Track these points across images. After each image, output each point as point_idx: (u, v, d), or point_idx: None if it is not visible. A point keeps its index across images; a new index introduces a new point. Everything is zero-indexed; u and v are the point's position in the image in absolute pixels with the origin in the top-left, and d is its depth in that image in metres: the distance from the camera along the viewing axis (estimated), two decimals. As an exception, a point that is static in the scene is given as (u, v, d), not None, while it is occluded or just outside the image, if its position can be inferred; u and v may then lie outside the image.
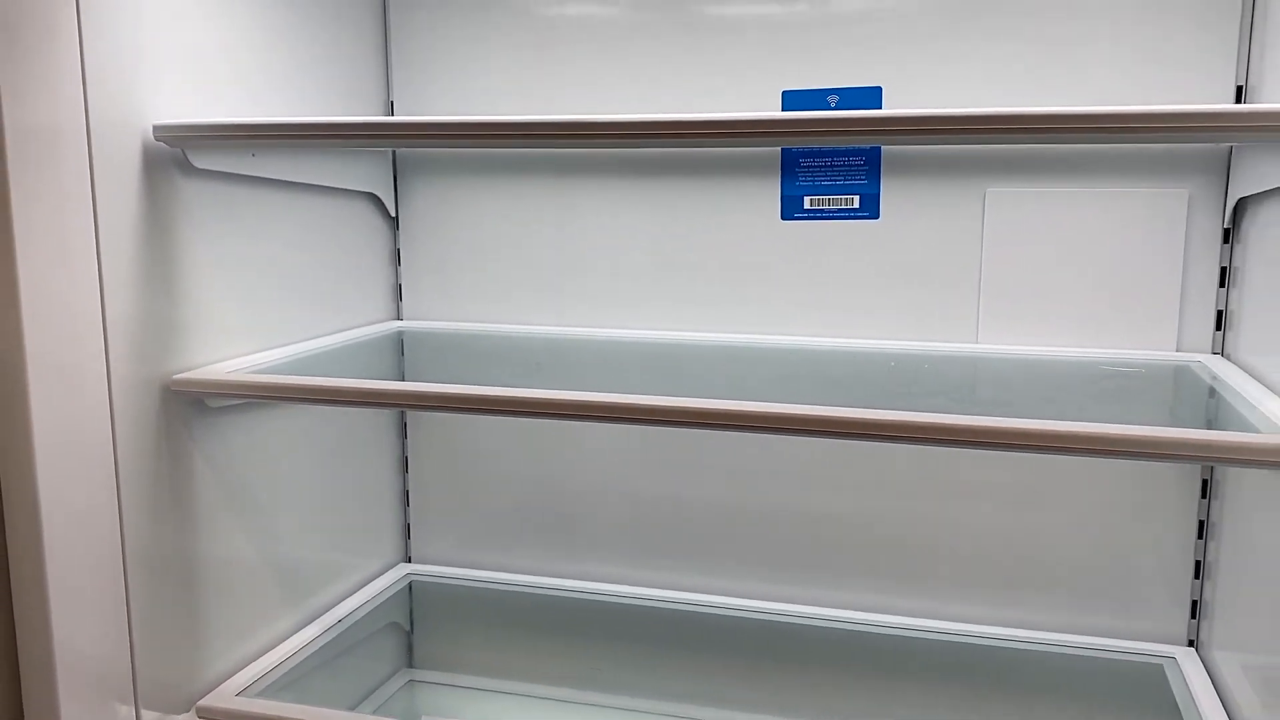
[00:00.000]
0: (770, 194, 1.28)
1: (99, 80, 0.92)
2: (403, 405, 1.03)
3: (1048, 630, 1.26)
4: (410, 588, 1.45)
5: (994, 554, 1.27)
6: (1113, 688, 1.19)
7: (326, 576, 1.34)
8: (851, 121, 0.91)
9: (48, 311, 0.89)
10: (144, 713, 1.03)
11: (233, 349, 1.12)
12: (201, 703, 1.08)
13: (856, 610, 1.32)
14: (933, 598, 1.30)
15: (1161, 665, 1.19)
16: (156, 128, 0.98)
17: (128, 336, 0.98)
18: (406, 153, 1.40)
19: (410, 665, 1.45)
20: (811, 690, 1.27)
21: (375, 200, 1.38)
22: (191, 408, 1.06)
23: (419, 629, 1.44)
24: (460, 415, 1.42)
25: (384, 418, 1.44)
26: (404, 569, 1.48)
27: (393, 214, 1.41)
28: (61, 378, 0.91)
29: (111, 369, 0.96)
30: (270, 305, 1.19)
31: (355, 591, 1.39)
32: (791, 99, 1.25)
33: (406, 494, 1.49)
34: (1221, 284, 1.16)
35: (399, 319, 1.44)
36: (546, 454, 1.42)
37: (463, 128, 1.00)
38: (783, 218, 1.28)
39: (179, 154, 1.01)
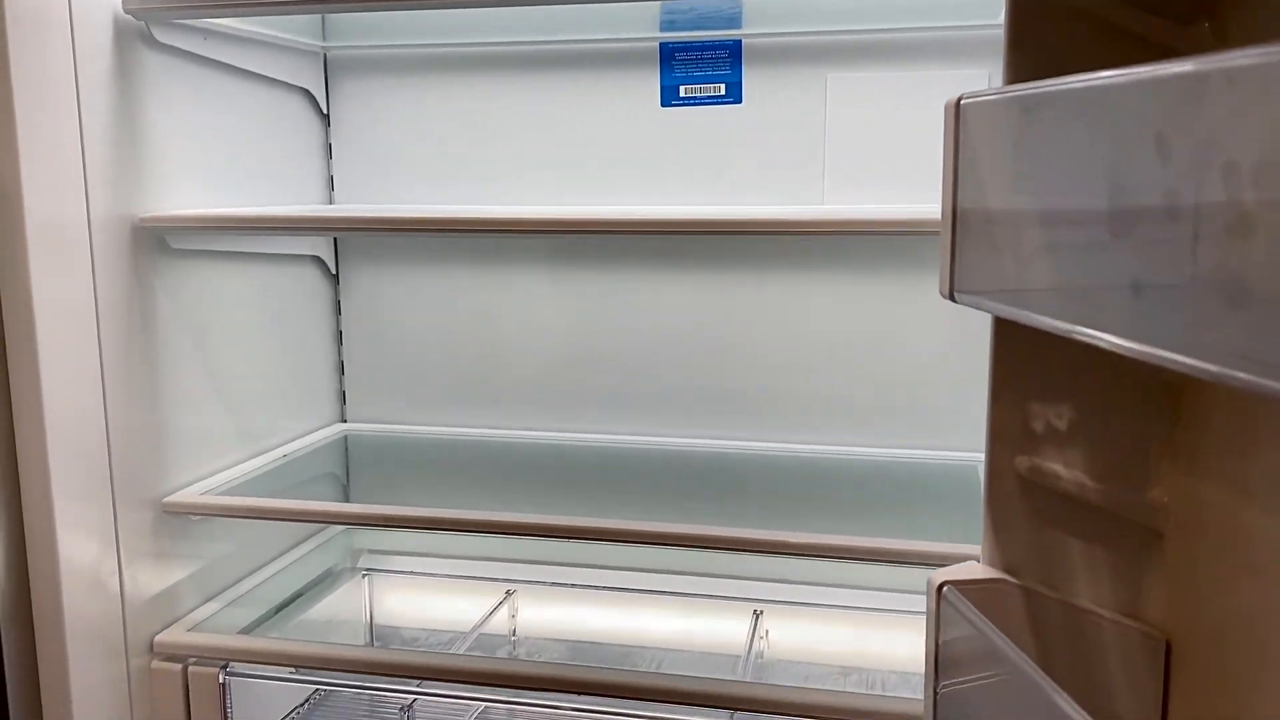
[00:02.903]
0: (651, 85, 1.50)
1: (77, -39, 1.11)
2: (335, 230, 1.24)
3: (888, 447, 1.51)
4: (345, 440, 1.65)
5: (846, 389, 1.51)
6: (935, 484, 1.45)
7: (271, 427, 1.53)
8: None
9: (40, 158, 1.08)
10: (120, 509, 1.22)
11: (188, 202, 1.31)
12: (167, 500, 1.28)
13: (737, 441, 1.56)
14: (792, 429, 1.54)
15: (976, 467, 1.44)
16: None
17: (104, 181, 1.17)
18: (335, 29, 1.59)
19: (347, 511, 1.64)
20: (703, 502, 1.50)
21: (307, 95, 1.57)
22: (157, 247, 1.25)
23: (354, 475, 1.64)
24: (387, 292, 1.63)
25: (320, 293, 1.63)
26: (340, 427, 1.68)
27: (324, 111, 1.60)
28: (51, 214, 1.10)
29: (91, 208, 1.15)
30: (218, 172, 1.38)
31: (296, 439, 1.58)
32: None
33: (341, 364, 1.69)
34: (1018, 150, 1.40)
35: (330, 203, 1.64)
36: (465, 325, 1.63)
37: None
38: (662, 105, 1.50)
39: (144, 27, 1.20)
